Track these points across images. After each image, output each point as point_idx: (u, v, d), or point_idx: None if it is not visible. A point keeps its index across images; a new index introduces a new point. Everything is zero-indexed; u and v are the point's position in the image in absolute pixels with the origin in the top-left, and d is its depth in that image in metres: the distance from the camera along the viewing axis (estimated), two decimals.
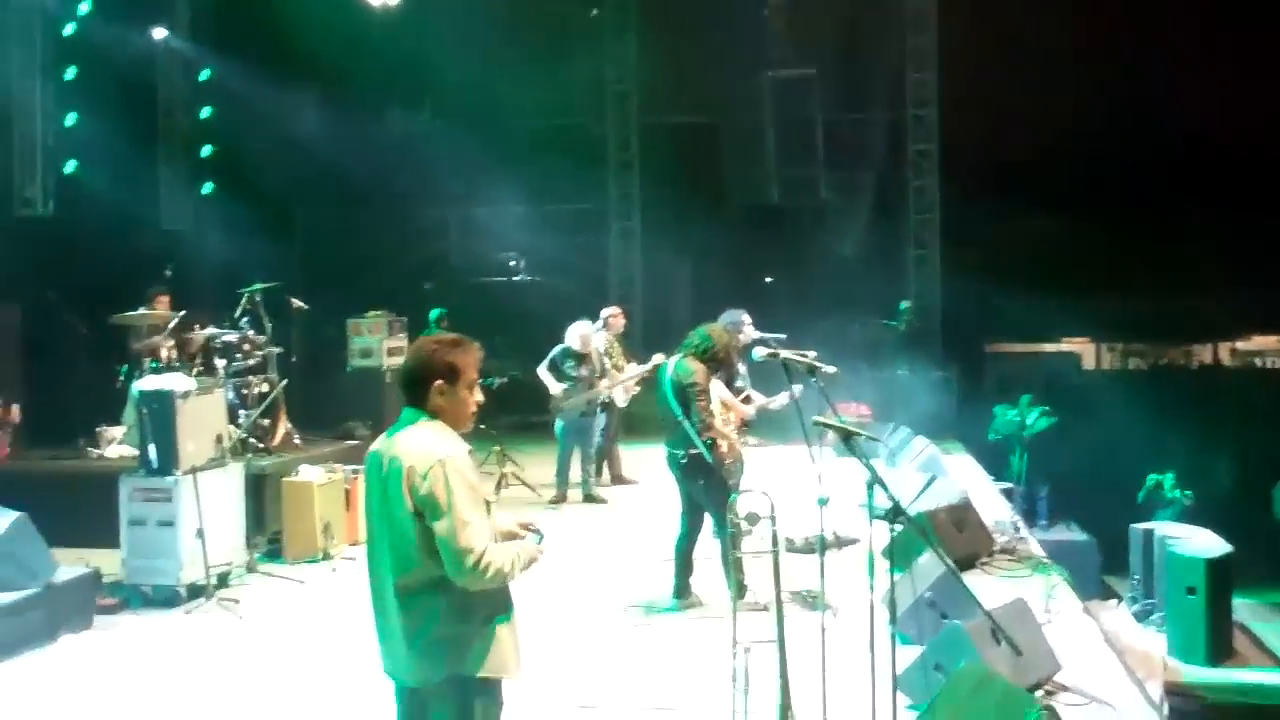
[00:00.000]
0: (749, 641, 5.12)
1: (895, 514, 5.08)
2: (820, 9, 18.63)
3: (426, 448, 4.32)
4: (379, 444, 4.52)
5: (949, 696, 5.96)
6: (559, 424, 13.01)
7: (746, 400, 10.27)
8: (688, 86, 19.03)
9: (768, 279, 19.83)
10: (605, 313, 13.65)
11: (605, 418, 13.43)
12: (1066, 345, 20.72)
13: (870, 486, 5.23)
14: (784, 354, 5.89)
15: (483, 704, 4.36)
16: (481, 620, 4.33)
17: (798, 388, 10.10)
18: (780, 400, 10.41)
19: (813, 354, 6.15)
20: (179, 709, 7.16)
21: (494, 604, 4.38)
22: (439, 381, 4.44)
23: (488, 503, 4.38)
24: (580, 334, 12.92)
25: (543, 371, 12.92)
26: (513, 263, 22.13)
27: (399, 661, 4.40)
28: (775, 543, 4.74)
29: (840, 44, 18.60)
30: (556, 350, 12.99)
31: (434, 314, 14.92)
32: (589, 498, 13.04)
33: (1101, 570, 15.04)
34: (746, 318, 10.69)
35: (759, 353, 6.21)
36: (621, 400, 13.29)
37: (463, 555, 4.19)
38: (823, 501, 6.04)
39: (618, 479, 13.84)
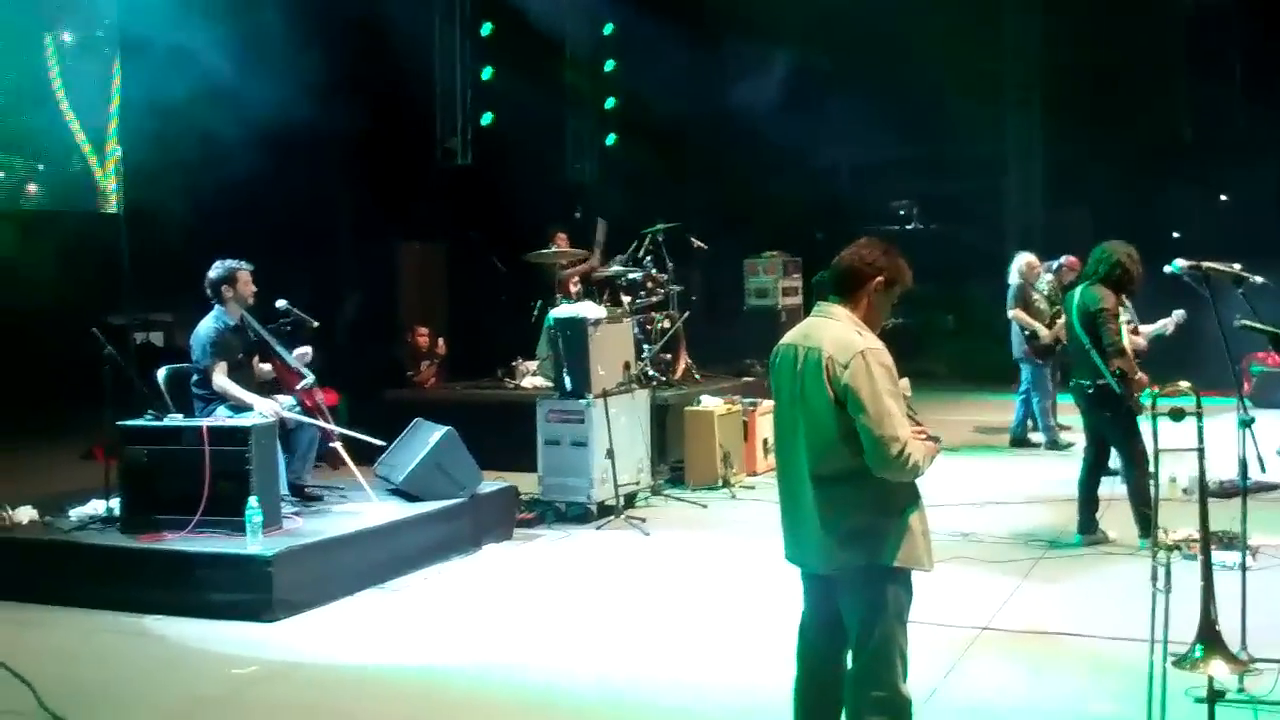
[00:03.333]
0: (1172, 539, 4.94)
1: None
2: None
3: (847, 339, 4.39)
4: (792, 337, 4.62)
5: None
6: (1030, 369, 12.69)
7: (1135, 333, 9.92)
8: (1092, 20, 18.21)
9: (1175, 234, 18.75)
10: (1064, 259, 13.09)
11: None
12: None
13: None
14: (1207, 264, 5.62)
15: (895, 592, 4.40)
16: (897, 511, 4.38)
17: (1180, 311, 9.80)
18: (1168, 326, 10.16)
19: (1238, 265, 5.83)
20: (595, 613, 7.55)
21: (908, 495, 4.42)
22: (880, 279, 4.52)
23: (905, 397, 4.43)
24: (1025, 262, 12.67)
25: (1020, 314, 12.55)
26: (903, 211, 21.88)
27: (812, 550, 4.51)
28: (1200, 439, 4.55)
29: None
30: (1015, 289, 12.69)
31: None
32: (1055, 444, 12.64)
33: None
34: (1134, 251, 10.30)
35: (1180, 264, 5.94)
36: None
37: (887, 444, 4.24)
38: (1245, 422, 5.74)
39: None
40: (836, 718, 4.60)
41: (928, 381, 16.16)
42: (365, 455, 9.37)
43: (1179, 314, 10.38)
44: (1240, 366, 13.84)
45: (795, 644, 4.79)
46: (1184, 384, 4.71)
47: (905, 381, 4.44)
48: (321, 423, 8.88)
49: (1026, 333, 12.54)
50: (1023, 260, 12.76)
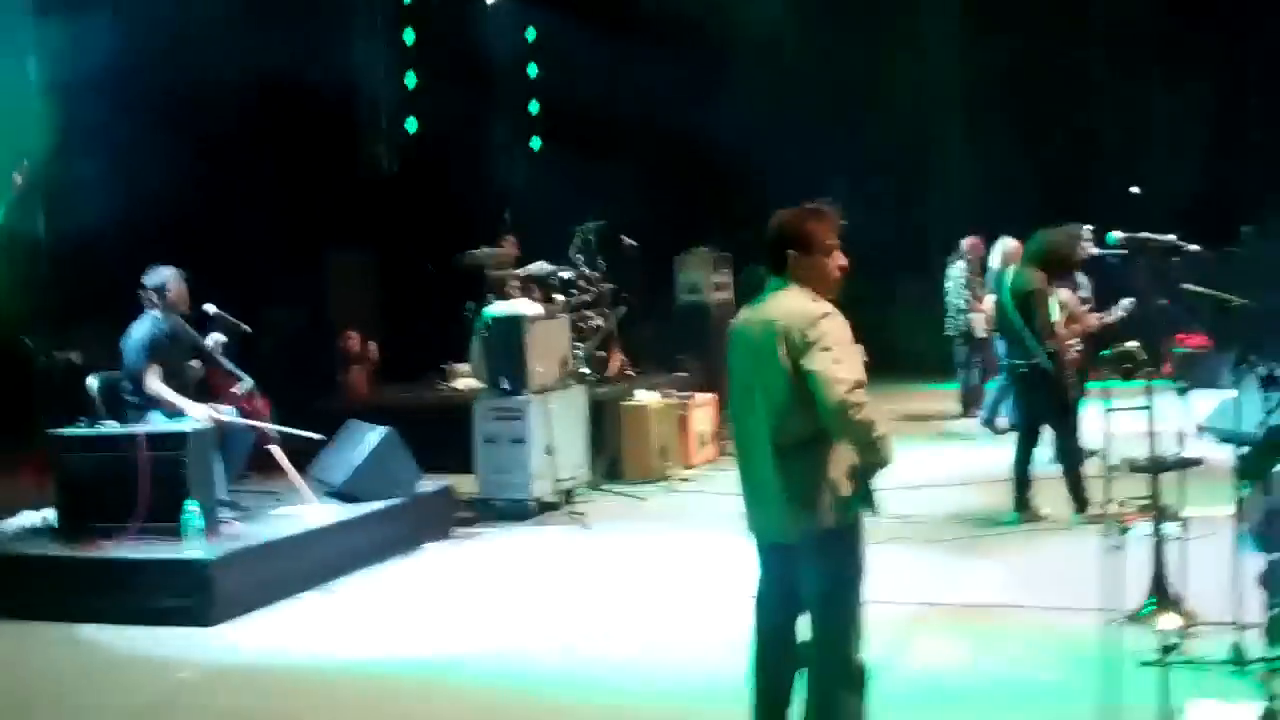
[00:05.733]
0: (1124, 496, 5.04)
1: (1269, 382, 4.90)
2: None
3: (800, 308, 4.43)
4: (746, 314, 4.66)
5: None
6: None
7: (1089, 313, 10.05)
8: (1011, 14, 18.49)
9: (1088, 227, 19.02)
10: (965, 243, 13.59)
11: (967, 350, 13.65)
12: None
13: (1240, 357, 5.05)
14: (1143, 235, 5.73)
15: (852, 562, 4.46)
16: (853, 472, 4.41)
17: (1129, 300, 9.89)
18: (1116, 314, 10.21)
19: (1172, 236, 5.95)
20: (542, 604, 7.55)
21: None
22: (791, 250, 4.56)
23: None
24: (1005, 251, 12.79)
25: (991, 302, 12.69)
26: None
27: (773, 519, 4.52)
28: (1149, 400, 4.61)
29: None
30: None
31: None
32: (990, 426, 12.87)
33: None
34: (1087, 231, 10.39)
35: (1116, 236, 6.05)
36: (982, 332, 13.16)
37: (835, 384, 4.25)
38: (1181, 389, 5.88)
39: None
40: (794, 687, 4.64)
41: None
42: (301, 459, 9.30)
43: (1127, 302, 10.26)
44: (1162, 346, 14.07)
45: (752, 617, 4.82)
46: (1132, 344, 4.81)
47: (860, 349, 4.49)
48: (262, 426, 8.80)
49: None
50: (1003, 248, 12.85)
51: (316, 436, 9.13)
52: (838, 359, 4.31)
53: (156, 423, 8.30)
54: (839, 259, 4.59)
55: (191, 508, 7.49)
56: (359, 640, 7.02)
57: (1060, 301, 8.82)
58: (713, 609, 6.92)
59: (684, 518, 9.62)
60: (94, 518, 7.83)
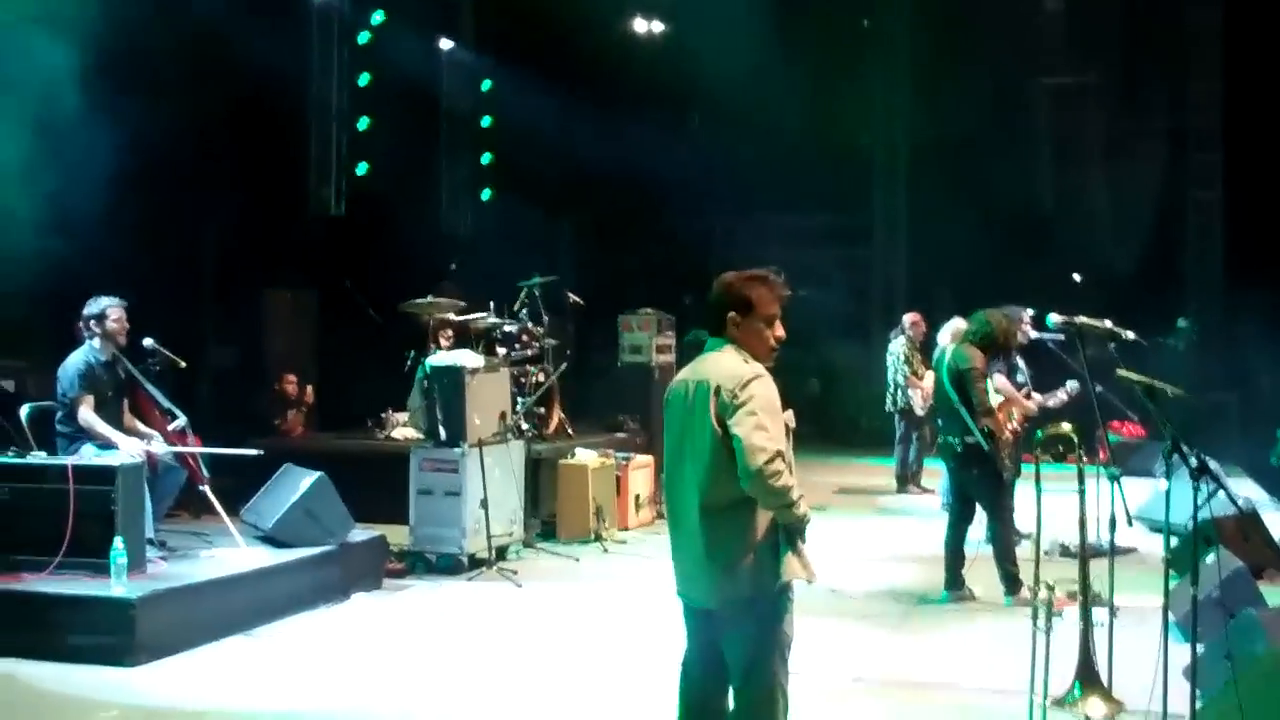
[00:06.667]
0: (1054, 580, 5.07)
1: (1200, 472, 4.97)
2: (1099, 15, 18.24)
3: (733, 369, 4.48)
4: (683, 374, 4.70)
5: (1242, 682, 5.77)
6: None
7: (1028, 396, 10.13)
8: (958, 94, 18.81)
9: (1029, 311, 19.31)
10: (906, 319, 13.84)
11: (905, 425, 13.87)
12: None
13: (1171, 447, 5.11)
14: (1080, 319, 5.82)
15: (777, 629, 4.46)
16: (778, 538, 4.43)
17: (1074, 383, 9.97)
18: (1059, 397, 10.26)
19: (1109, 321, 6.05)
20: (468, 660, 7.47)
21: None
22: (732, 313, 4.60)
23: (787, 428, 4.50)
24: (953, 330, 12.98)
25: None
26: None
27: (698, 583, 4.53)
28: (1081, 481, 4.66)
29: (1119, 50, 18.17)
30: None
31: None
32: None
33: None
34: (1028, 315, 10.49)
35: (1055, 319, 6.14)
36: (920, 409, 13.34)
37: (755, 453, 4.29)
38: (1114, 476, 5.94)
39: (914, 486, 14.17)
40: None
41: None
42: (234, 501, 9.17)
43: (1072, 385, 10.33)
44: (1098, 433, 14.24)
45: (678, 682, 4.80)
46: (1065, 425, 4.86)
47: (789, 413, 4.52)
48: (193, 453, 8.67)
49: None
50: (952, 327, 12.97)
51: (251, 453, 8.95)
52: (760, 425, 4.34)
53: (87, 455, 8.18)
54: (778, 329, 4.64)
55: (118, 544, 7.36)
56: (282, 688, 6.91)
57: (995, 387, 8.90)
58: (641, 674, 6.87)
59: (616, 580, 9.57)
60: (16, 549, 7.66)
